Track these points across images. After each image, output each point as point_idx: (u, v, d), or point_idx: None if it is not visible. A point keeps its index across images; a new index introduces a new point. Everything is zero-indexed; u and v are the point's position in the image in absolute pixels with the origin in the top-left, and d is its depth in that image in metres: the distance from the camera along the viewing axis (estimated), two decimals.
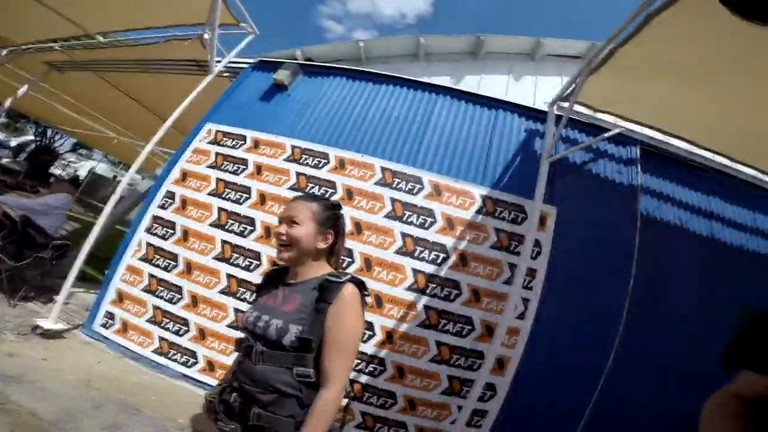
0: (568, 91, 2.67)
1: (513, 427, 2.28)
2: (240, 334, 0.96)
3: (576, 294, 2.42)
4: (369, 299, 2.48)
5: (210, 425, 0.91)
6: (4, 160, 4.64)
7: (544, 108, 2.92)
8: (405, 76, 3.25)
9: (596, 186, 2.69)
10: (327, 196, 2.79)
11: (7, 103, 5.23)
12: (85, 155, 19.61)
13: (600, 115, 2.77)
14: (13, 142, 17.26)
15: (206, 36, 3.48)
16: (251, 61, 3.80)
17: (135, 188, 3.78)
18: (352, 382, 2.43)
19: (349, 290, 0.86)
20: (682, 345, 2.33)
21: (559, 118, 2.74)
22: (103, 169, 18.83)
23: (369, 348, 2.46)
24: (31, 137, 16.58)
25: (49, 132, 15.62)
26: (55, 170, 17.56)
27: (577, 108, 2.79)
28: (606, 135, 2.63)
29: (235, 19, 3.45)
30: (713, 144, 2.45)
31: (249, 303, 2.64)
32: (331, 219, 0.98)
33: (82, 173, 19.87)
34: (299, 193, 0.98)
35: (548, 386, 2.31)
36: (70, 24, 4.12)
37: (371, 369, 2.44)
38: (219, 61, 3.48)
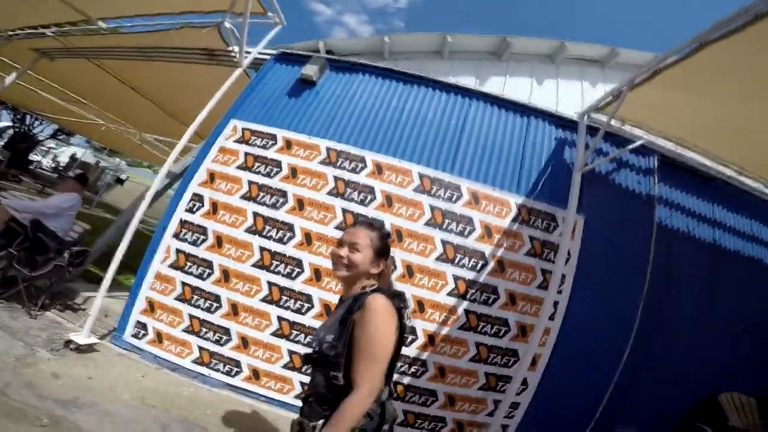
0: (602, 103, 2.70)
1: (541, 415, 2.47)
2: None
3: (598, 296, 2.58)
4: (410, 307, 2.53)
5: None
6: None
7: (573, 116, 2.95)
8: (438, 78, 3.13)
9: (618, 195, 2.81)
10: (365, 202, 2.72)
11: None
12: (65, 140, 17.77)
13: (626, 127, 2.84)
14: None
15: (227, 24, 3.14)
16: (271, 52, 3.48)
17: (151, 187, 3.46)
18: (396, 384, 2.50)
19: (374, 300, 0.92)
20: (686, 342, 2.58)
21: (590, 128, 2.78)
22: (85, 155, 17.09)
23: (412, 351, 2.52)
24: (8, 123, 14.75)
25: (27, 118, 14.06)
26: (35, 157, 15.79)
27: (605, 118, 2.85)
28: (631, 146, 2.72)
29: (262, 8, 3.10)
30: (728, 155, 2.59)
31: (293, 311, 2.59)
32: (385, 248, 1.07)
33: (63, 159, 17.94)
34: (360, 220, 1.08)
35: (572, 378, 2.50)
36: (67, 8, 3.54)
37: (414, 370, 2.51)
38: (248, 53, 3.14)
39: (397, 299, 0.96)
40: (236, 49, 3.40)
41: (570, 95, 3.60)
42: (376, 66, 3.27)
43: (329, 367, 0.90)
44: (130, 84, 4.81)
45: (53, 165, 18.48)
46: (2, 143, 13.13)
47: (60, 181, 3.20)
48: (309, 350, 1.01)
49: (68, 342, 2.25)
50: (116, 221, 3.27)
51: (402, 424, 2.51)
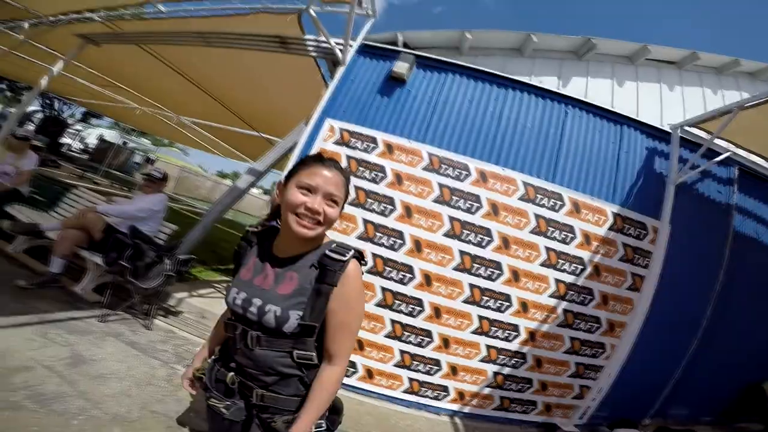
0: (701, 119, 2.65)
1: (615, 399, 2.71)
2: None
3: (676, 297, 2.74)
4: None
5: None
6: (18, 129, 3.55)
7: (666, 128, 2.89)
8: (535, 84, 2.93)
9: (700, 203, 2.87)
10: (471, 210, 2.65)
11: (43, 83, 3.86)
12: (94, 123, 16.46)
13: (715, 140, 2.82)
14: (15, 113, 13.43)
15: (312, 12, 2.72)
16: (339, 41, 3.04)
17: (236, 185, 3.24)
18: (496, 374, 2.66)
19: (353, 269, 0.76)
20: (744, 337, 2.84)
21: (685, 141, 2.75)
22: (111, 135, 15.63)
23: (514, 345, 2.65)
24: (36, 108, 13.31)
25: (56, 102, 12.91)
26: (65, 140, 14.37)
27: (694, 131, 2.81)
28: (718, 159, 2.73)
29: None
30: None
31: (405, 314, 2.60)
32: (347, 195, 0.82)
33: (91, 141, 16.39)
34: (330, 160, 0.79)
35: (647, 367, 2.74)
36: None
37: (514, 362, 2.67)
38: (340, 47, 2.79)
39: (362, 259, 0.80)
40: (311, 38, 3.02)
41: (649, 98, 3.48)
42: (467, 66, 3.00)
43: (296, 345, 0.75)
44: (179, 70, 4.24)
45: (82, 147, 17.07)
46: (34, 128, 11.85)
47: (144, 183, 2.90)
48: (237, 316, 0.79)
49: None
50: (202, 221, 3.06)
51: (498, 409, 2.71)
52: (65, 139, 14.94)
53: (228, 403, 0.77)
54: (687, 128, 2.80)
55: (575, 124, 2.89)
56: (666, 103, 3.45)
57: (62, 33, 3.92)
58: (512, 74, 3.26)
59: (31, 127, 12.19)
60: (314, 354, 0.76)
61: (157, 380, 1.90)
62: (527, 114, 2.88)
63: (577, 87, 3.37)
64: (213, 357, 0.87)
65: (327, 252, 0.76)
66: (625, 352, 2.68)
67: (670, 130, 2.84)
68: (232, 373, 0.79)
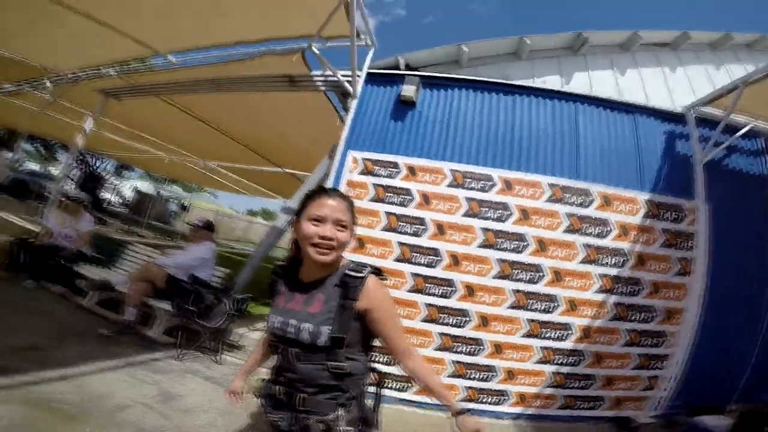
0: (711, 98, 2.64)
1: (693, 385, 2.60)
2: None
3: (732, 272, 2.65)
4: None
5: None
6: (70, 191, 3.95)
7: (679, 110, 2.89)
8: (543, 87, 3.00)
9: (734, 178, 2.81)
10: (501, 218, 2.69)
11: (79, 141, 4.25)
12: (126, 176, 17.44)
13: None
14: (55, 171, 14.60)
15: (315, 49, 2.89)
16: (346, 73, 3.17)
17: (274, 225, 3.41)
18: (555, 374, 2.62)
19: (373, 281, 0.85)
20: None
21: (702, 121, 2.73)
22: (144, 186, 16.64)
23: (569, 344, 2.61)
24: (70, 164, 14.33)
25: (88, 158, 13.65)
26: (104, 195, 15.35)
27: (711, 110, 2.79)
28: (741, 132, 2.69)
29: (347, 31, 2.87)
30: None
31: (452, 326, 2.63)
32: (354, 218, 0.90)
33: (127, 193, 17.44)
34: (332, 190, 0.90)
35: (717, 351, 2.62)
36: (133, 43, 3.24)
37: (572, 360, 2.63)
38: (347, 78, 2.96)
39: (380, 274, 0.89)
40: (317, 73, 3.20)
41: (654, 83, 3.48)
42: (471, 79, 3.12)
43: (328, 357, 0.82)
44: (199, 117, 4.55)
45: (120, 200, 18.05)
46: (75, 186, 12.50)
47: (192, 233, 3.12)
48: (280, 336, 0.87)
49: None
50: (249, 262, 3.25)
51: (562, 407, 2.65)
52: (104, 194, 15.81)
53: (282, 415, 0.85)
54: (700, 108, 2.79)
55: (588, 119, 2.92)
56: (672, 86, 3.42)
57: (84, 90, 4.23)
58: (514, 78, 3.36)
59: (71, 185, 12.78)
60: (345, 364, 0.82)
61: (237, 409, 2.01)
62: (539, 117, 2.94)
63: (580, 82, 3.42)
64: (266, 378, 0.94)
65: (346, 271, 0.84)
66: (689, 337, 2.59)
67: (683, 112, 2.83)
68: (279, 387, 0.87)
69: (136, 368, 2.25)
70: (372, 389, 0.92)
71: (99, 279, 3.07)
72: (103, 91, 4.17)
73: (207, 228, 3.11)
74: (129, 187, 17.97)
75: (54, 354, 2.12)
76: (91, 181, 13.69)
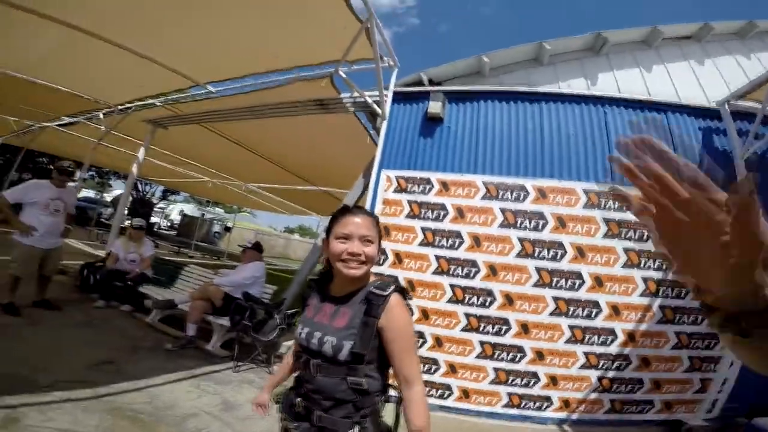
0: (743, 91, 2.56)
1: (750, 386, 2.51)
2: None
3: None
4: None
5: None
6: (134, 220, 4.37)
7: (713, 106, 2.80)
8: (564, 88, 2.99)
9: None
10: (538, 227, 2.72)
11: (134, 170, 4.66)
12: (172, 200, 18.55)
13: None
14: (108, 198, 15.81)
15: (341, 73, 3.04)
16: (372, 94, 3.30)
17: (316, 243, 3.60)
18: (600, 378, 2.62)
19: (395, 301, 0.85)
20: None
21: (739, 114, 2.64)
22: (190, 209, 17.68)
23: (613, 349, 2.61)
24: (121, 191, 15.61)
25: (138, 184, 14.70)
26: (154, 219, 16.45)
27: (742, 103, 2.70)
28: None
29: (371, 53, 2.99)
30: None
31: (492, 335, 2.69)
32: (380, 233, 0.94)
33: (175, 216, 18.62)
34: (355, 207, 0.94)
35: None
36: (176, 76, 3.52)
37: (618, 365, 2.62)
38: (374, 99, 3.08)
39: (405, 294, 0.90)
40: (346, 95, 3.35)
41: (683, 77, 3.35)
42: (495, 90, 3.16)
43: (349, 372, 0.83)
44: (238, 141, 4.85)
45: (168, 224, 18.96)
46: (127, 212, 13.67)
47: (243, 254, 3.37)
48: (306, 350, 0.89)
49: None
50: (296, 278, 3.46)
51: (609, 412, 2.65)
52: (154, 218, 16.66)
53: (297, 424, 0.88)
54: (734, 102, 2.69)
55: (617, 121, 2.89)
56: (703, 78, 3.29)
57: (132, 120, 4.60)
58: (539, 84, 3.35)
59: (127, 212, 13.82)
60: (364, 381, 0.84)
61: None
62: (567, 122, 2.94)
63: (606, 83, 3.36)
64: (288, 386, 0.98)
65: (372, 289, 0.87)
66: None
67: (717, 108, 2.74)
68: (299, 398, 0.89)
69: (199, 380, 2.48)
70: (391, 407, 0.89)
71: (163, 298, 3.40)
72: (151, 121, 4.53)
73: (256, 248, 3.34)
74: (175, 210, 18.88)
75: (126, 367, 2.38)
76: (142, 206, 14.48)
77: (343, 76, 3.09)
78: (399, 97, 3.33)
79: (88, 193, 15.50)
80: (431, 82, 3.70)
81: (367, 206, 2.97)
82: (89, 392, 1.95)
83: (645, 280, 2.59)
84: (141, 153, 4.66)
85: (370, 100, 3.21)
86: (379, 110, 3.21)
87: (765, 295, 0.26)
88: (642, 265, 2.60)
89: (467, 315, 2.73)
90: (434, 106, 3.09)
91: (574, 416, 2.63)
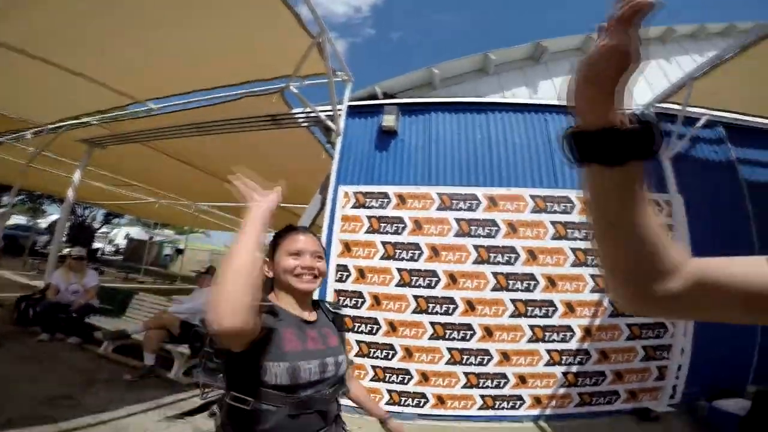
0: (663, 96, 2.78)
1: (705, 371, 2.67)
2: None
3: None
4: None
5: None
6: (66, 249, 4.02)
7: (639, 110, 3.02)
8: (511, 101, 3.14)
9: (704, 168, 2.93)
10: (491, 234, 2.79)
11: (69, 194, 4.32)
12: (116, 223, 17.26)
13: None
14: (43, 224, 14.41)
15: (293, 89, 2.99)
16: (326, 109, 3.27)
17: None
18: (565, 374, 2.69)
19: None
20: None
21: (664, 116, 2.86)
22: (137, 232, 16.60)
23: (573, 344, 2.69)
24: (58, 216, 14.16)
25: (76, 208, 13.47)
26: (96, 244, 15.22)
27: (665, 105, 2.93)
28: (700, 123, 2.83)
29: (323, 67, 2.98)
30: None
31: (458, 340, 2.70)
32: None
33: (120, 241, 17.36)
34: (298, 227, 0.96)
35: (720, 338, 2.66)
36: (111, 92, 3.34)
37: (579, 360, 2.70)
38: (328, 114, 3.07)
39: None
40: (298, 111, 3.31)
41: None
42: (445, 102, 3.26)
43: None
44: (185, 160, 4.64)
45: (113, 249, 17.82)
46: (65, 239, 12.36)
47: (197, 280, 3.22)
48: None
49: None
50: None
51: (579, 405, 2.71)
52: (96, 244, 15.68)
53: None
54: (658, 105, 2.92)
55: (558, 127, 3.06)
56: (638, 84, 3.60)
57: (67, 140, 4.21)
58: (485, 94, 3.50)
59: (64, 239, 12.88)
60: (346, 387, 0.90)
61: None
62: (513, 131, 3.08)
63: (546, 91, 3.56)
64: None
65: (330, 309, 0.94)
66: (689, 325, 2.67)
67: (643, 110, 2.97)
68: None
69: (166, 409, 2.33)
70: None
71: (114, 329, 3.17)
72: (86, 141, 4.25)
73: (210, 273, 3.21)
74: (120, 234, 17.85)
75: (86, 401, 2.20)
76: (81, 232, 13.53)
77: (295, 91, 3.05)
78: (354, 111, 3.35)
79: (19, 219, 14.31)
80: (386, 95, 3.78)
81: (326, 224, 2.95)
82: (51, 428, 1.78)
83: (593, 277, 2.71)
84: (77, 175, 4.34)
85: (323, 116, 3.20)
86: (333, 125, 3.20)
87: (622, 119, 0.29)
88: (589, 263, 2.72)
89: (432, 324, 2.74)
90: (388, 119, 3.14)
91: (548, 411, 2.67)
